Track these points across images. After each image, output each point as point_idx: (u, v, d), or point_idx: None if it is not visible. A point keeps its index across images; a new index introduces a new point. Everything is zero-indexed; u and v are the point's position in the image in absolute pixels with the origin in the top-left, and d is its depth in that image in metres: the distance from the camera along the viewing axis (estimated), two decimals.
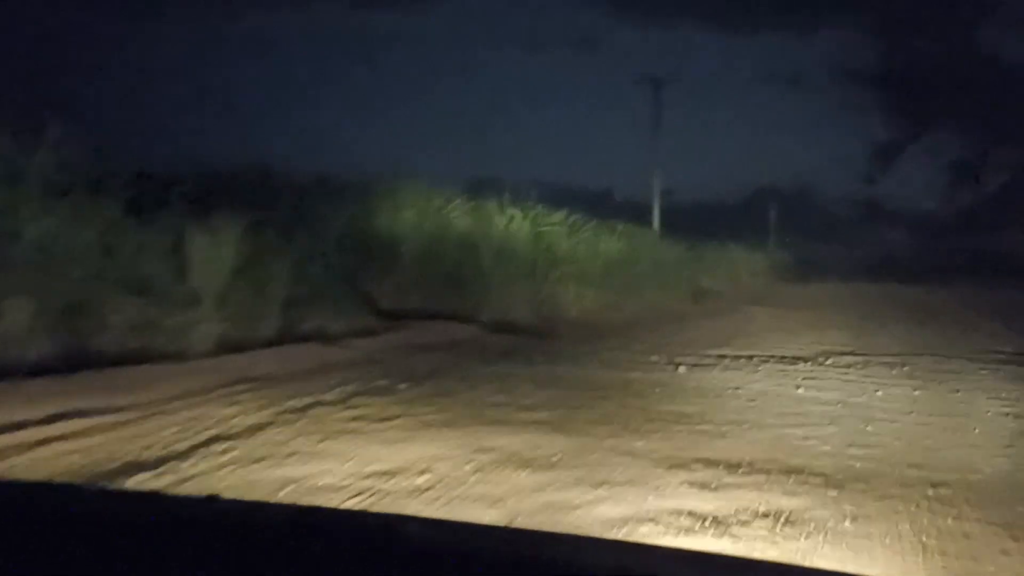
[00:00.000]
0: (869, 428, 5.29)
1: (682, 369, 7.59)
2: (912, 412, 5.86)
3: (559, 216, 13.99)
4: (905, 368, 8.24)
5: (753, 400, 6.15)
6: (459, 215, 12.24)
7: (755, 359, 8.74)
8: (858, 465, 4.38)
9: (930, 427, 5.43)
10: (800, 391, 6.61)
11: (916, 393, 6.69)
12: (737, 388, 6.66)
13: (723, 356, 8.95)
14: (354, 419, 5.27)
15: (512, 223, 12.44)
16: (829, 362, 8.67)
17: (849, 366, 8.35)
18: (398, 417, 5.34)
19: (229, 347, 7.29)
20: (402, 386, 6.43)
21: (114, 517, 1.16)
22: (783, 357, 8.96)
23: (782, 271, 30.66)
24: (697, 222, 29.61)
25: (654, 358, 8.62)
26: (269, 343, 7.64)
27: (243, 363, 6.76)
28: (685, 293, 18.50)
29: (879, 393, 6.60)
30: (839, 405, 6.04)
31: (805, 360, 8.71)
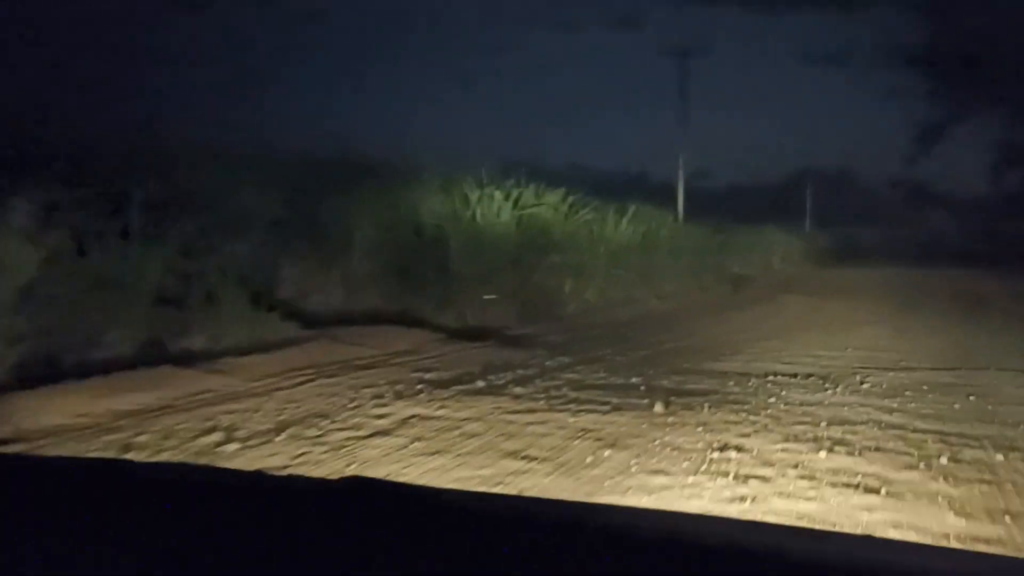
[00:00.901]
0: None
1: (659, 407, 5.14)
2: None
3: (554, 197, 11.50)
4: (972, 399, 5.71)
5: (742, 486, 3.66)
6: (427, 196, 9.83)
7: (769, 380, 6.27)
8: None
9: None
10: (822, 456, 4.13)
11: (999, 459, 4.17)
12: (723, 450, 4.19)
13: (726, 375, 6.50)
14: None
15: (489, 204, 10.01)
16: (867, 384, 6.19)
17: (894, 394, 5.83)
18: None
19: (32, 379, 5.03)
20: (232, 447, 4.13)
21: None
22: (808, 376, 6.48)
23: (820, 255, 27.75)
24: (733, 205, 26.91)
25: (634, 380, 6.19)
26: (90, 372, 5.32)
27: (20, 409, 4.49)
28: (708, 283, 15.94)
29: (943, 461, 4.09)
30: (885, 502, 3.53)
31: (836, 382, 6.23)
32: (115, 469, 1.46)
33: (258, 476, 1.43)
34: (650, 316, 11.08)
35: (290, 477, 1.29)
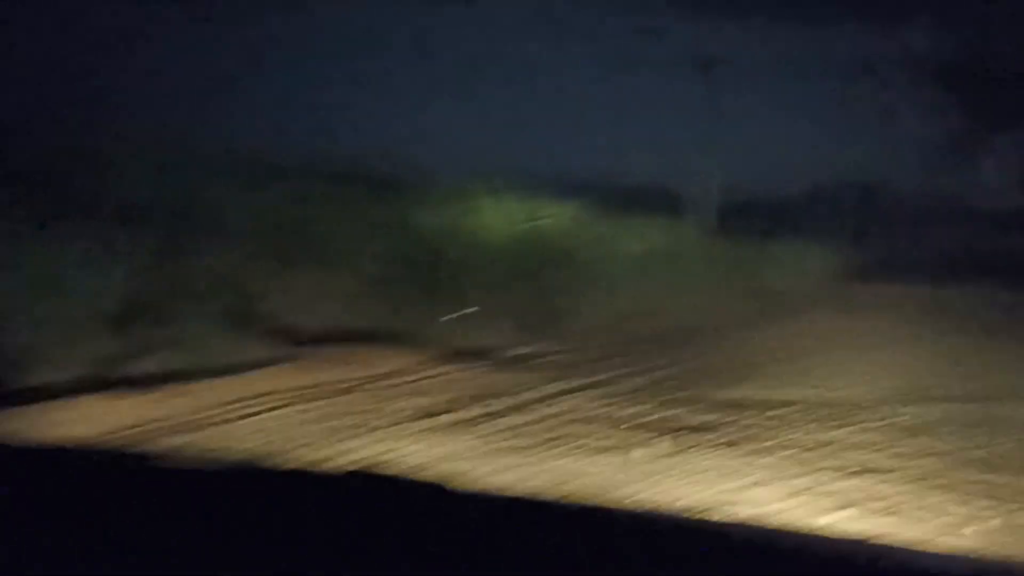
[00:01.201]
0: None
1: (638, 453, 4.39)
2: None
3: (565, 207, 10.75)
4: (1019, 439, 4.88)
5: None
6: (428, 205, 9.13)
7: (778, 412, 5.48)
8: None
9: None
10: (834, 520, 3.35)
11: None
12: (706, 511, 3.42)
13: (730, 405, 5.71)
14: None
15: (494, 214, 9.32)
16: (892, 419, 5.37)
17: (923, 431, 5.02)
18: None
19: None
20: None
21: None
22: (823, 407, 5.68)
23: (843, 269, 26.75)
24: (755, 217, 26.04)
25: (626, 411, 5.44)
26: (13, 402, 4.66)
27: None
28: (727, 297, 15.09)
29: (994, 524, 3.30)
30: None
31: (856, 415, 5.42)
32: (116, 462, 1.46)
33: (260, 469, 1.47)
34: (660, 333, 10.24)
35: (294, 471, 1.46)
